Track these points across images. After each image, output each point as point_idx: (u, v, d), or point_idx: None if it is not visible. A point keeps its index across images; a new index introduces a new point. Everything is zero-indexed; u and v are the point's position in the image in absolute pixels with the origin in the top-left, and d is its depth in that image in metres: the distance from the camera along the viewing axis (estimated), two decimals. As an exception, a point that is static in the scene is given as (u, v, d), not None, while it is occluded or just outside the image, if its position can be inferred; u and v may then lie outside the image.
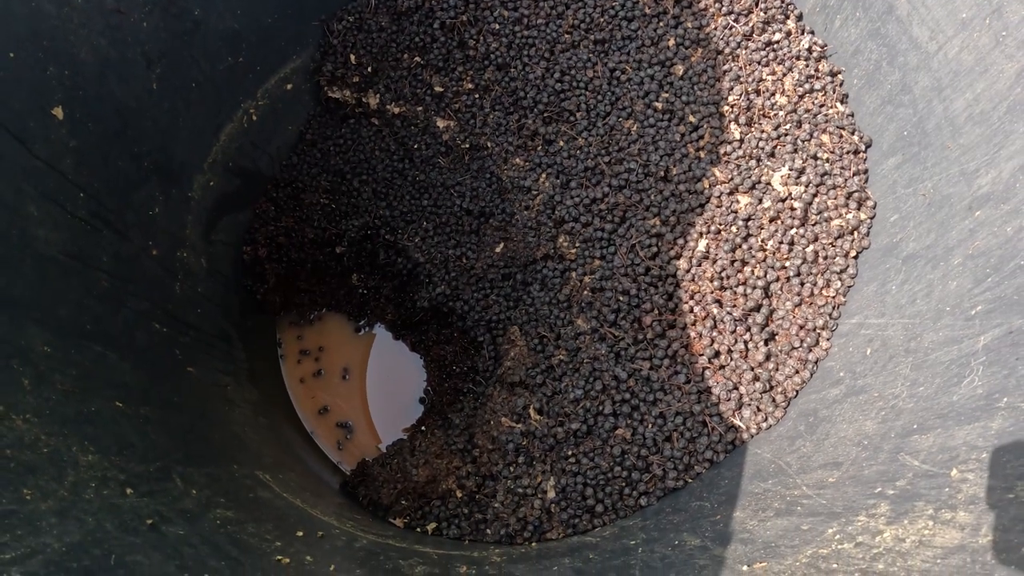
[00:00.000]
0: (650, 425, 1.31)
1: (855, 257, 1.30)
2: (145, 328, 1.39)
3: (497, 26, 1.52)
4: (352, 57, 1.59)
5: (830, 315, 1.28)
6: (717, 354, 1.31)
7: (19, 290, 1.10)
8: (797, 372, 1.26)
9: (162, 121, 1.50)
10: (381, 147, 1.63)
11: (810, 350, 1.27)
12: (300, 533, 1.21)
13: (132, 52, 1.42)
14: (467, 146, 1.56)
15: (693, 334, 1.33)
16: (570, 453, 1.33)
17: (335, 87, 1.63)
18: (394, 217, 1.61)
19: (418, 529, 1.43)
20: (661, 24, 1.46)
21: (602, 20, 1.48)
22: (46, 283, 1.16)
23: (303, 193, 1.66)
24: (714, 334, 1.32)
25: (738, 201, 1.36)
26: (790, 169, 1.33)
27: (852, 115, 1.36)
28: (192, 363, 1.48)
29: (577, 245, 1.45)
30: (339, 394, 1.70)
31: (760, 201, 1.35)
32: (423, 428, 1.51)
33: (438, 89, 1.56)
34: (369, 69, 1.59)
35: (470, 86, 1.55)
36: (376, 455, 1.68)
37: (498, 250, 1.54)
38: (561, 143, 1.48)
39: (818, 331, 1.27)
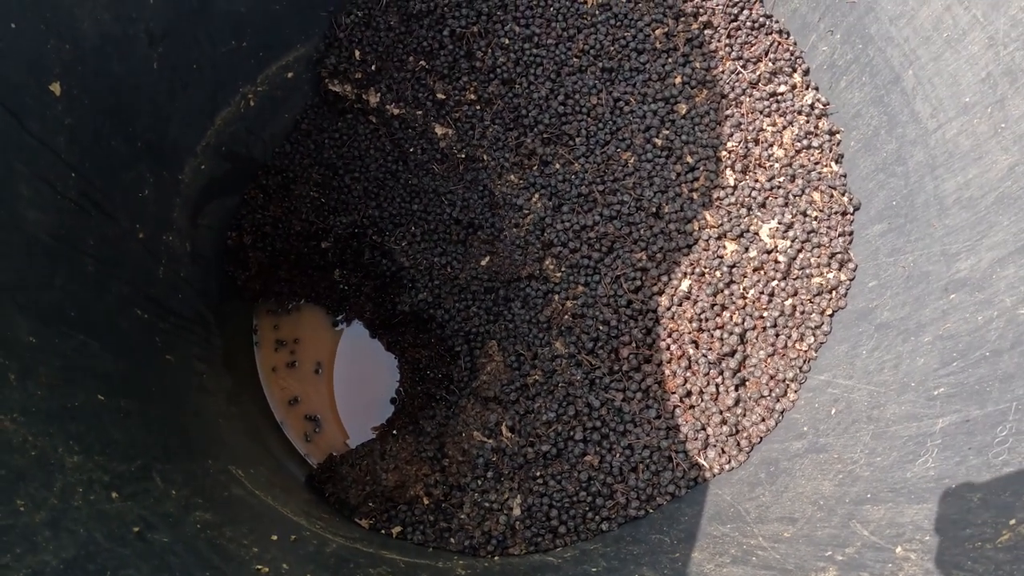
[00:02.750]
0: (618, 455, 1.35)
1: (831, 315, 1.34)
2: (127, 314, 1.38)
3: (507, 41, 1.51)
4: (357, 53, 1.57)
5: (800, 368, 1.33)
6: (689, 394, 1.35)
7: (6, 275, 1.08)
8: (763, 420, 1.31)
9: (159, 101, 1.46)
10: (376, 146, 1.62)
11: (778, 400, 1.32)
12: (274, 537, 1.23)
13: (135, 29, 1.38)
14: (463, 156, 1.55)
15: (668, 372, 1.37)
16: (538, 474, 1.37)
17: (336, 80, 1.60)
18: (383, 218, 1.60)
19: (382, 531, 1.45)
20: (670, 60, 1.46)
21: (612, 49, 1.48)
22: (33, 268, 1.14)
23: (293, 184, 1.63)
24: (688, 374, 1.35)
25: (725, 247, 1.38)
26: (779, 223, 1.36)
27: (845, 176, 1.39)
28: (171, 350, 1.47)
29: (563, 269, 1.46)
30: (310, 386, 1.71)
31: (746, 250, 1.37)
32: (394, 432, 1.53)
33: (440, 96, 1.55)
34: (373, 67, 1.57)
35: (472, 97, 1.54)
36: (344, 451, 1.69)
37: (483, 263, 1.54)
38: (557, 166, 1.49)
39: (787, 382, 1.32)
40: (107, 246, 1.36)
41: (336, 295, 1.69)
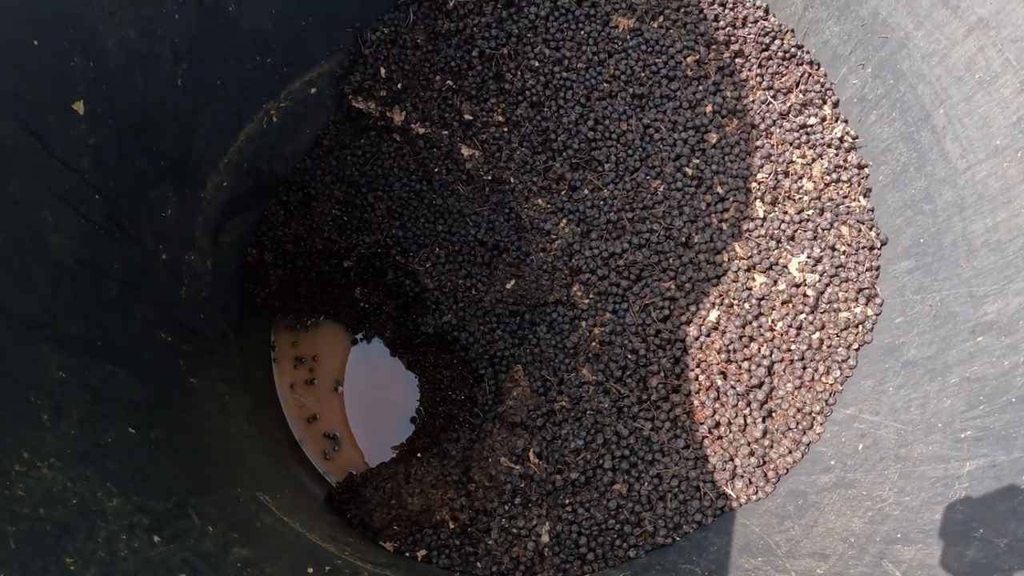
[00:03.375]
0: (646, 483, 1.37)
1: (856, 350, 1.37)
2: (152, 339, 1.36)
3: (536, 63, 1.50)
4: (382, 70, 1.54)
5: (826, 401, 1.35)
6: (717, 424, 1.37)
7: (33, 306, 1.07)
8: (790, 452, 1.33)
9: (184, 118, 1.44)
10: (400, 165, 1.60)
11: (804, 432, 1.34)
12: (310, 570, 1.23)
13: (161, 45, 1.36)
14: (489, 178, 1.54)
15: (696, 402, 1.38)
16: (567, 502, 1.38)
17: (360, 97, 1.58)
18: (406, 238, 1.59)
19: (407, 554, 1.46)
20: (700, 88, 1.46)
21: (643, 75, 1.48)
22: (58, 296, 1.13)
23: (315, 201, 1.61)
24: (716, 405, 1.37)
25: (754, 279, 1.40)
26: (808, 257, 1.38)
27: (872, 210, 1.41)
28: (193, 373, 1.46)
29: (591, 296, 1.47)
30: (329, 404, 1.70)
31: (775, 283, 1.39)
32: (419, 455, 1.53)
33: (467, 117, 1.54)
34: (399, 85, 1.55)
35: (500, 119, 1.53)
36: (363, 469, 1.69)
37: (508, 286, 1.54)
38: (586, 191, 1.49)
39: (813, 415, 1.34)
40: (131, 269, 1.34)
41: (356, 313, 1.69)
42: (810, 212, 1.43)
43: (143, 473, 1.18)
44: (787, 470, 1.36)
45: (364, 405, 1.73)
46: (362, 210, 1.64)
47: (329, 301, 1.72)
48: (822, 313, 1.39)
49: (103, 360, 1.23)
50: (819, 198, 1.43)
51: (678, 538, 1.37)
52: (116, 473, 1.10)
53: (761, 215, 1.45)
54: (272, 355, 1.76)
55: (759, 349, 1.40)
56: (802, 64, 1.49)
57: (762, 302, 1.40)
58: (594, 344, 1.48)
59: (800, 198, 1.44)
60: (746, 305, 1.41)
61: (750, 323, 1.40)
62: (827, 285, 1.39)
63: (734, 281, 1.43)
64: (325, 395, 1.73)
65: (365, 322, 1.72)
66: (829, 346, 1.38)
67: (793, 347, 1.38)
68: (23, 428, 0.99)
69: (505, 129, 1.56)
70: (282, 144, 1.65)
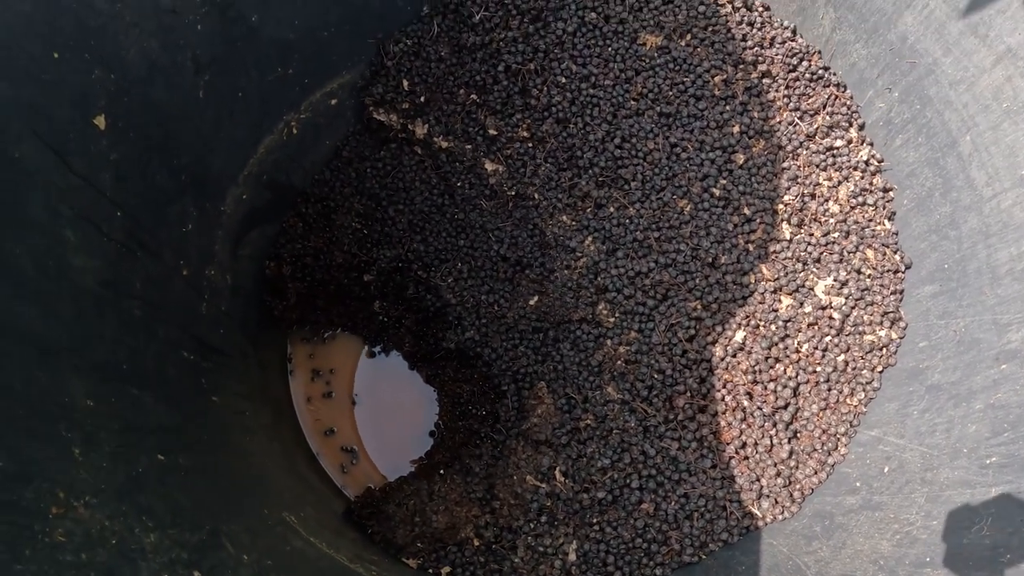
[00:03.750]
0: (673, 502, 1.38)
1: (880, 372, 1.39)
2: (174, 359, 1.35)
3: (563, 79, 1.49)
4: (405, 83, 1.52)
5: (851, 423, 1.37)
6: (744, 445, 1.39)
7: (58, 332, 1.05)
8: (816, 473, 1.35)
9: (205, 131, 1.42)
10: (422, 178, 1.58)
11: (829, 453, 1.36)
12: (343, 593, 1.23)
13: (182, 56, 1.33)
14: (513, 193, 1.54)
15: (723, 423, 1.40)
16: (594, 521, 1.39)
17: (381, 109, 1.56)
18: (428, 253, 1.58)
19: (431, 571, 1.46)
20: (728, 108, 1.47)
21: (671, 93, 1.47)
22: (82, 320, 1.11)
23: (335, 213, 1.59)
24: (743, 426, 1.39)
25: (780, 301, 1.41)
26: (835, 280, 1.39)
27: (897, 234, 1.43)
28: (215, 391, 1.45)
29: (616, 315, 1.47)
30: (346, 417, 1.69)
31: (801, 305, 1.40)
32: (441, 472, 1.52)
33: (492, 132, 1.52)
34: (422, 99, 1.53)
35: (525, 134, 1.52)
36: (381, 483, 1.68)
37: (532, 303, 1.54)
38: (612, 209, 1.48)
39: (838, 437, 1.37)
40: (153, 287, 1.32)
41: (375, 326, 1.67)
42: (836, 235, 1.44)
43: (176, 504, 1.17)
44: (812, 490, 1.39)
45: (382, 418, 1.72)
46: (383, 223, 1.62)
47: (347, 314, 1.70)
48: (847, 335, 1.41)
49: (129, 385, 1.21)
50: (845, 221, 1.45)
51: (704, 556, 1.39)
52: (150, 506, 1.09)
53: (788, 237, 1.46)
54: (288, 367, 1.73)
55: (785, 370, 1.41)
56: (829, 86, 1.49)
57: (788, 324, 1.42)
58: (619, 363, 1.48)
59: (826, 220, 1.45)
60: (772, 327, 1.42)
61: (776, 344, 1.42)
62: (852, 308, 1.41)
63: (760, 302, 1.44)
64: (342, 408, 1.72)
65: (383, 335, 1.71)
66: (854, 368, 1.40)
67: (819, 369, 1.40)
68: (57, 465, 0.98)
69: (530, 145, 1.55)
70: (302, 156, 1.62)
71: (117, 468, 1.10)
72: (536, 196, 1.56)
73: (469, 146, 1.58)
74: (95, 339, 1.14)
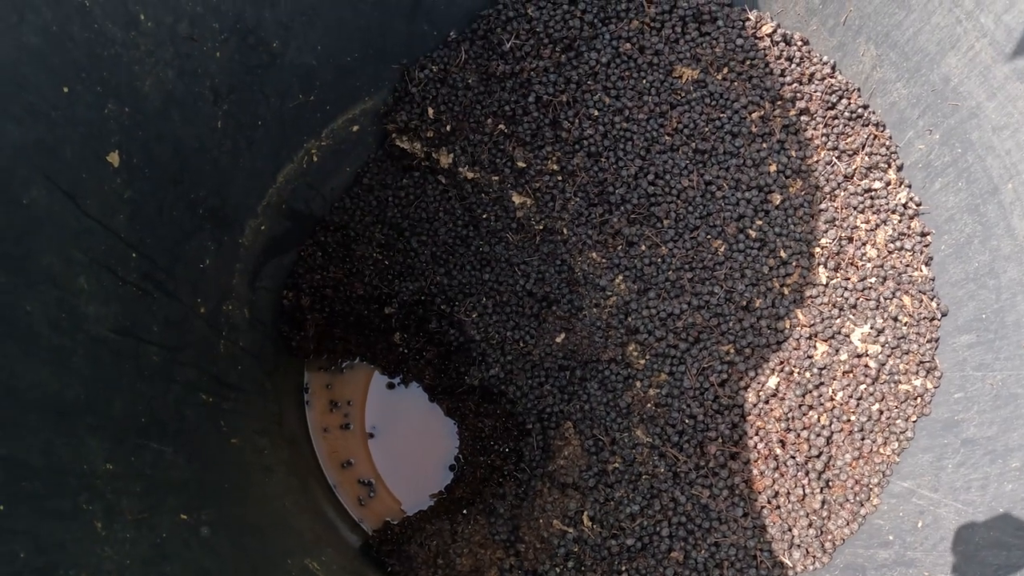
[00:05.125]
0: (703, 551, 1.37)
1: (914, 422, 1.36)
2: (193, 402, 1.31)
3: (596, 112, 1.43)
4: (430, 111, 1.46)
5: (884, 473, 1.36)
6: (776, 494, 1.36)
7: (73, 392, 1.02)
8: (848, 523, 1.34)
9: (223, 163, 1.36)
10: (446, 208, 1.53)
11: (862, 504, 1.35)
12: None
13: (200, 86, 1.28)
14: (540, 227, 1.49)
15: (755, 471, 1.37)
16: (623, 568, 1.38)
17: (404, 137, 1.50)
18: (452, 287, 1.53)
19: (454, 612, 1.43)
20: (765, 146, 1.42)
21: (706, 129, 1.43)
22: (99, 375, 1.07)
23: (355, 243, 1.54)
24: (776, 475, 1.37)
25: (815, 348, 1.38)
26: (871, 328, 1.37)
27: (933, 279, 1.39)
28: (235, 432, 1.41)
29: (647, 357, 1.43)
30: (363, 449, 1.66)
31: (837, 352, 1.38)
32: (464, 512, 1.49)
33: (520, 164, 1.47)
34: (448, 127, 1.47)
35: (555, 167, 1.47)
36: (399, 516, 1.64)
37: (558, 340, 1.50)
38: (643, 248, 1.44)
39: (871, 487, 1.35)
40: (171, 330, 1.27)
41: (394, 357, 1.62)
42: (873, 280, 1.41)
43: (201, 568, 1.12)
44: (844, 540, 1.37)
45: (400, 451, 1.69)
46: (405, 255, 1.56)
47: (366, 344, 1.66)
48: (882, 384, 1.39)
49: (148, 439, 1.17)
50: (882, 266, 1.42)
51: (732, 604, 1.37)
52: (176, 576, 1.04)
53: (824, 281, 1.42)
54: (305, 398, 1.68)
55: (818, 419, 1.39)
56: (868, 125, 1.46)
57: (823, 371, 1.40)
58: (649, 405, 1.45)
59: (863, 265, 1.42)
60: (807, 374, 1.40)
61: (810, 392, 1.40)
62: (888, 356, 1.39)
63: (795, 348, 1.41)
64: (360, 440, 1.68)
65: (403, 366, 1.65)
66: (888, 418, 1.38)
67: (853, 418, 1.38)
68: (81, 547, 0.93)
69: (559, 178, 1.50)
70: (321, 183, 1.57)
71: (140, 538, 1.05)
72: (565, 231, 1.51)
73: (496, 177, 1.53)
74: (112, 393, 1.10)
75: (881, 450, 1.40)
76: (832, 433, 1.41)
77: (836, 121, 1.48)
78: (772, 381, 1.44)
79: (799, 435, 1.41)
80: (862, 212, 1.46)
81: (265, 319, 1.56)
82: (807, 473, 1.40)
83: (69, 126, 1.01)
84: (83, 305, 1.04)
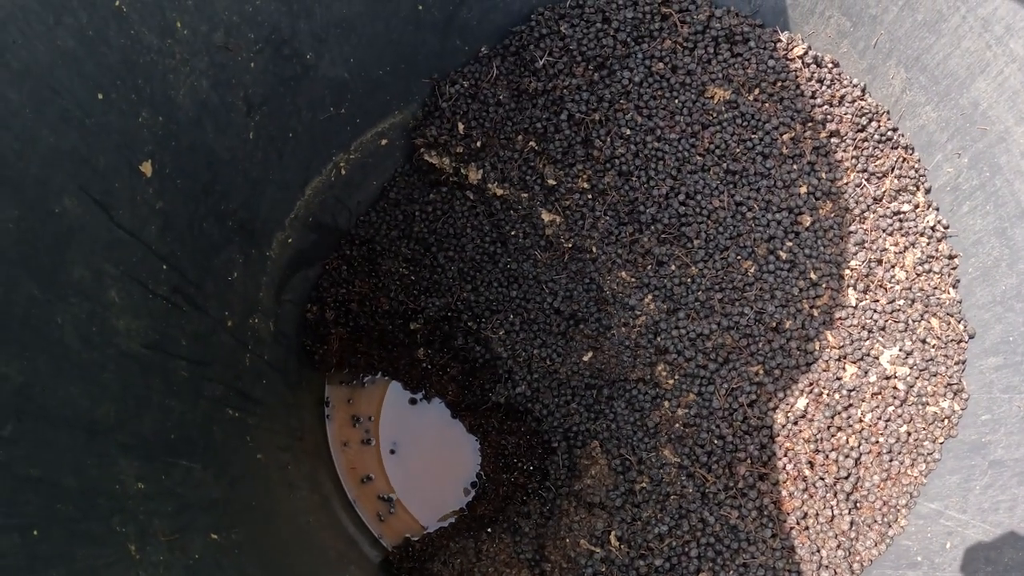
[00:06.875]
0: (732, 572, 1.38)
1: (942, 443, 1.36)
2: (220, 418, 1.30)
3: (628, 131, 1.44)
4: (461, 126, 1.45)
5: (911, 494, 1.37)
6: (805, 515, 1.36)
7: (103, 409, 1.02)
8: (876, 544, 1.35)
9: (253, 174, 1.35)
10: (473, 224, 1.52)
11: (890, 525, 1.36)
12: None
13: (234, 96, 1.28)
14: (570, 246, 1.48)
15: (784, 492, 1.37)
16: (651, 589, 1.35)
17: (433, 152, 1.49)
18: (479, 303, 1.52)
19: (478, 632, 1.41)
20: (795, 167, 1.43)
21: (738, 150, 1.43)
22: (129, 391, 1.07)
23: (380, 257, 1.52)
24: (805, 496, 1.37)
25: (844, 369, 1.39)
26: (900, 350, 1.38)
27: (961, 302, 1.40)
28: (260, 448, 1.40)
29: (676, 377, 1.43)
30: (385, 464, 1.63)
31: (866, 374, 1.39)
32: (488, 530, 1.47)
33: (551, 181, 1.47)
34: (478, 143, 1.46)
35: (585, 185, 1.47)
36: (419, 533, 1.62)
37: (585, 358, 1.49)
38: (673, 267, 1.44)
39: (899, 508, 1.36)
40: (199, 344, 1.26)
41: (417, 372, 1.60)
42: (901, 302, 1.42)
43: (235, 590, 1.10)
44: (871, 561, 1.37)
45: (421, 466, 1.68)
46: (431, 270, 1.55)
47: (388, 359, 1.63)
48: (910, 406, 1.40)
49: (178, 457, 1.15)
50: (910, 288, 1.42)
51: (760, 625, 1.37)
52: (210, 601, 1.02)
53: (853, 303, 1.43)
54: (326, 411, 1.65)
55: (847, 440, 1.39)
56: (897, 148, 1.47)
57: (852, 393, 1.40)
58: (677, 426, 1.45)
59: (892, 287, 1.42)
60: (836, 396, 1.40)
61: (839, 413, 1.40)
62: (917, 378, 1.40)
63: (824, 370, 1.42)
64: (380, 455, 1.65)
65: (425, 382, 1.63)
66: (916, 439, 1.40)
67: (881, 439, 1.39)
68: (113, 570, 0.92)
69: (590, 196, 1.50)
70: (348, 196, 1.57)
71: (174, 560, 1.04)
72: (594, 250, 1.50)
73: (525, 194, 1.52)
74: (142, 410, 1.10)
75: (909, 471, 1.41)
76: (860, 454, 1.41)
77: (866, 143, 1.49)
78: (801, 402, 1.44)
79: (828, 456, 1.41)
80: (891, 234, 1.47)
81: (289, 332, 1.54)
82: (835, 494, 1.40)
83: (103, 134, 0.99)
84: (114, 319, 1.02)
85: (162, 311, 1.14)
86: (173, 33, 1.10)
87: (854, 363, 1.45)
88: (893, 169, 1.50)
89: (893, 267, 1.48)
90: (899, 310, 1.46)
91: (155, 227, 1.13)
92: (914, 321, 1.46)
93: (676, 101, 1.51)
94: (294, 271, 1.54)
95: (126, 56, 1.01)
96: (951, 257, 1.49)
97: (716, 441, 1.46)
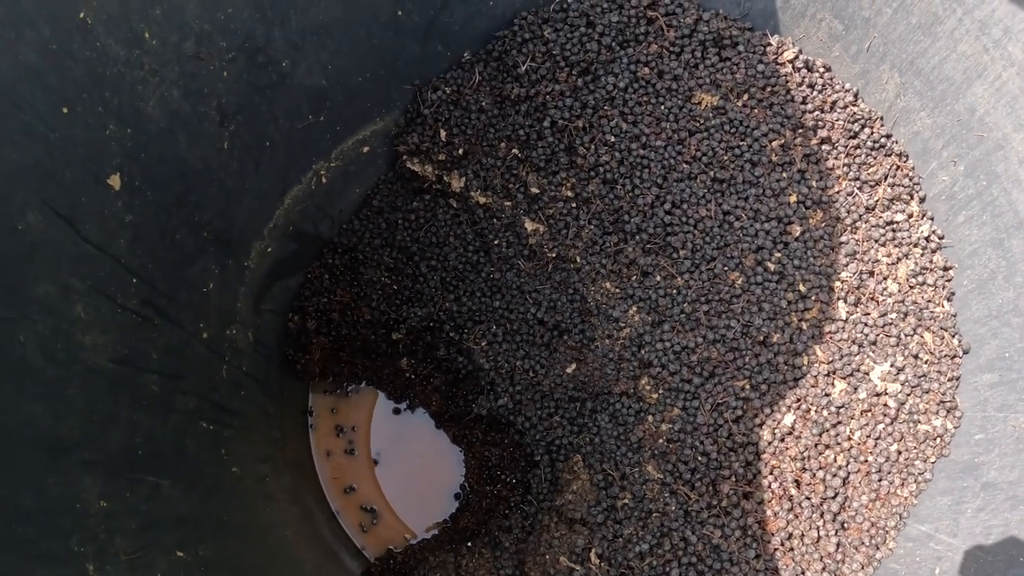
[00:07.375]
0: (713, 592, 1.31)
1: (933, 463, 1.32)
2: (192, 432, 1.28)
3: (612, 138, 1.40)
4: (443, 133, 1.43)
5: (901, 516, 1.33)
6: (790, 536, 1.33)
7: (67, 426, 1.01)
8: (863, 567, 1.32)
9: (229, 185, 1.34)
10: (456, 233, 1.50)
11: (877, 548, 1.32)
12: None
13: (206, 106, 1.26)
14: (553, 255, 1.46)
15: (769, 512, 1.34)
16: (631, 608, 1.32)
17: (416, 159, 1.46)
18: (461, 313, 1.50)
19: (458, 648, 1.39)
20: (785, 175, 1.39)
21: (725, 158, 1.40)
22: (95, 407, 1.06)
23: (363, 266, 1.50)
24: (790, 516, 1.34)
25: (833, 385, 1.35)
26: (891, 365, 1.34)
27: (955, 316, 1.35)
28: (236, 461, 1.38)
29: (660, 391, 1.39)
30: (368, 475, 1.61)
31: (855, 390, 1.35)
32: (469, 544, 1.45)
33: (534, 190, 1.44)
34: (460, 150, 1.44)
35: (569, 194, 1.44)
36: (402, 544, 1.60)
37: (569, 370, 1.46)
38: (659, 278, 1.41)
39: (887, 530, 1.32)
40: (171, 357, 1.24)
41: (401, 382, 1.58)
42: (893, 316, 1.38)
43: (201, 614, 1.08)
44: (858, 584, 1.32)
45: (405, 477, 1.67)
46: (414, 280, 1.53)
47: (372, 368, 1.62)
48: (901, 424, 1.36)
49: (145, 473, 1.13)
50: (903, 301, 1.38)
51: (744, 647, 1.33)
52: (171, 621, 1.01)
53: (843, 316, 1.39)
54: (309, 421, 1.64)
55: (835, 459, 1.36)
56: (891, 155, 1.42)
57: (841, 410, 1.37)
58: (661, 441, 1.42)
59: (884, 300, 1.38)
60: (824, 412, 1.36)
61: (827, 431, 1.37)
62: (908, 395, 1.36)
63: (813, 386, 1.38)
64: (364, 466, 1.64)
65: (409, 392, 1.61)
66: (906, 459, 1.35)
67: (870, 459, 1.35)
68: None
69: (574, 205, 1.47)
70: (330, 204, 1.55)
71: None
72: (578, 259, 1.47)
73: (508, 203, 1.49)
74: (108, 426, 1.09)
75: (899, 492, 1.36)
76: (849, 474, 1.37)
77: (858, 151, 1.44)
78: (788, 419, 1.40)
79: (815, 475, 1.37)
80: (883, 245, 1.42)
81: (270, 343, 1.53)
82: (822, 515, 1.36)
83: (68, 148, 0.97)
84: (80, 334, 1.01)
85: (131, 325, 1.13)
86: (141, 44, 1.08)
87: (843, 379, 1.41)
88: (886, 177, 1.45)
89: (885, 279, 1.43)
90: (891, 324, 1.42)
91: (124, 240, 1.11)
92: (906, 335, 1.41)
93: (662, 107, 1.47)
94: (274, 281, 1.53)
95: (92, 69, 1.00)
96: (946, 269, 1.44)
97: (700, 458, 1.42)
